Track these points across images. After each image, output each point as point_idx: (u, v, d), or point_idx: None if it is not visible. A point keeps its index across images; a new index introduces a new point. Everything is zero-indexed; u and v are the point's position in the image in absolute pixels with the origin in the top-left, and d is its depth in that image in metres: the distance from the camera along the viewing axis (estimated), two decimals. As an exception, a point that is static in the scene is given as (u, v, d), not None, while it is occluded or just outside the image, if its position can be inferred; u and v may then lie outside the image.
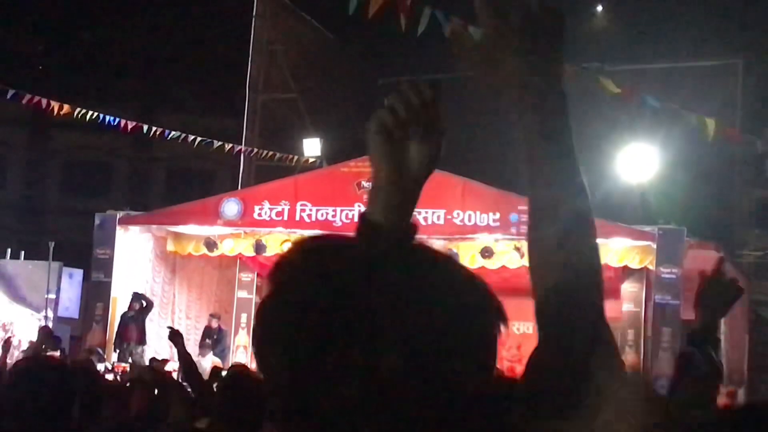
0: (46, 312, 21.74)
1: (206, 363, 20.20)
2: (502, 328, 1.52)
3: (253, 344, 1.50)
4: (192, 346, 23.17)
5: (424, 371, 1.39)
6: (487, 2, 1.78)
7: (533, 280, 1.84)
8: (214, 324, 22.27)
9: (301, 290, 1.44)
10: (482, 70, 1.82)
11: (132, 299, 21.21)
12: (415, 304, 1.40)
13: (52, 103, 22.52)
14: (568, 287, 1.78)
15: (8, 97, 22.17)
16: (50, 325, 21.51)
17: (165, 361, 19.70)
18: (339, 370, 1.37)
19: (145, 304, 21.29)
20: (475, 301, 1.48)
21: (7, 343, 15.71)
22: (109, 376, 17.21)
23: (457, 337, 1.42)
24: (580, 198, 1.81)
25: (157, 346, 22.20)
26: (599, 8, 29.78)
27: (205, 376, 15.75)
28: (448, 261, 1.50)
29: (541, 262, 1.82)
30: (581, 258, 1.79)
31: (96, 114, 23.42)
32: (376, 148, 1.84)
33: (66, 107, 22.76)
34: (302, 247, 1.50)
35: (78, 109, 23.00)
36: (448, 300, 1.43)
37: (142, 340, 21.11)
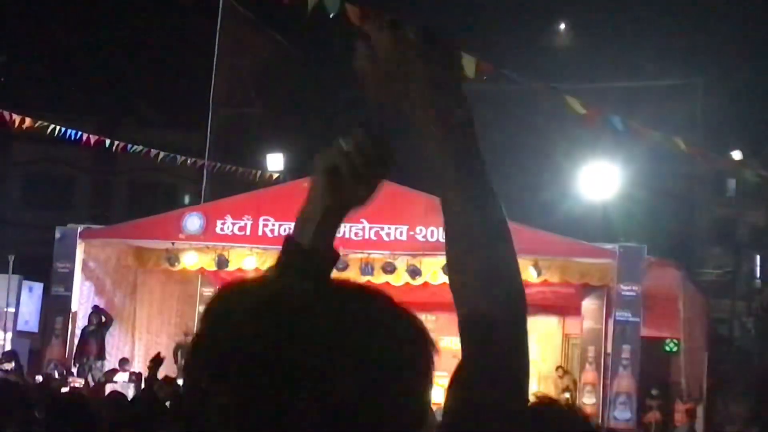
0: (4, 326, 21.55)
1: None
2: (435, 357, 1.53)
3: (187, 381, 1.49)
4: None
5: (356, 411, 1.41)
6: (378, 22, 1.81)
7: (454, 297, 1.84)
8: (186, 341, 22.20)
9: (236, 330, 1.43)
10: (383, 88, 1.84)
11: (91, 314, 21.10)
12: (342, 342, 1.41)
13: (14, 115, 22.38)
14: (488, 298, 1.77)
15: (-31, 110, 22.02)
16: (8, 339, 21.34)
17: (114, 371, 19.65)
18: (279, 410, 1.38)
19: (104, 319, 21.18)
20: (403, 335, 1.48)
21: None
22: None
23: (386, 373, 1.43)
24: (490, 203, 1.81)
25: (116, 361, 22.08)
26: (562, 26, 29.99)
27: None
28: (373, 297, 1.50)
29: (458, 277, 1.82)
30: (498, 266, 1.80)
31: (58, 128, 23.30)
32: (321, 185, 1.87)
33: (28, 120, 22.61)
34: (231, 289, 1.50)
35: (40, 123, 22.87)
36: (375, 336, 1.44)
37: (101, 355, 20.99)
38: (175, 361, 22.08)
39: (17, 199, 35.90)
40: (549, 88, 17.70)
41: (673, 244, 24.08)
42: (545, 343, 24.22)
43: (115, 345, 22.06)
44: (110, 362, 21.56)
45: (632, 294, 19.02)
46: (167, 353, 23.70)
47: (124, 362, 20.71)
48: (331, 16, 15.55)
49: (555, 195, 25.79)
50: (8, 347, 21.17)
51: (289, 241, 1.87)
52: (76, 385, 17.52)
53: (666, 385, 22.12)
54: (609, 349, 19.68)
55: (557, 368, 22.90)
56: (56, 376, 19.19)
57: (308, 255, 1.82)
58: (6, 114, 22.21)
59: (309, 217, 1.88)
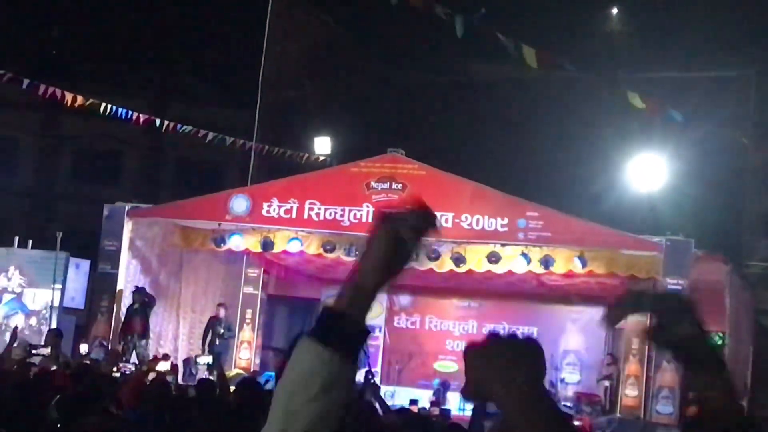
0: (51, 302, 21.76)
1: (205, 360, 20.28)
2: None
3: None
4: (197, 340, 23.31)
5: None
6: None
7: None
8: (222, 314, 22.34)
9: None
10: None
11: (133, 293, 21.25)
12: None
13: (67, 94, 22.57)
14: None
15: (23, 87, 22.22)
16: (54, 316, 21.55)
17: (156, 360, 19.75)
18: None
19: (146, 300, 21.31)
20: None
21: (15, 333, 15.76)
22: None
23: None
24: None
25: (159, 339, 22.29)
26: (614, 11, 29.70)
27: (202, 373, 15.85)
28: None
29: None
30: None
31: (109, 106, 23.47)
32: (386, 242, 2.26)
33: (80, 99, 22.80)
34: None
35: (91, 101, 23.04)
36: None
37: (145, 334, 21.16)
38: (204, 337, 22.21)
39: (67, 174, 36.16)
40: (609, 81, 17.60)
41: (720, 237, 23.83)
42: (589, 333, 24.18)
43: (159, 324, 22.25)
44: (153, 341, 21.74)
45: (678, 288, 18.87)
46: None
47: (166, 357, 20.87)
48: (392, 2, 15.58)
49: (603, 186, 25.59)
50: (54, 324, 21.36)
51: (331, 311, 2.16)
52: (126, 371, 17.64)
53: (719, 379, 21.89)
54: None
55: (608, 355, 22.84)
56: (102, 354, 19.35)
57: (346, 322, 2.13)
58: (59, 92, 22.41)
59: (372, 263, 2.25)
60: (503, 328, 24.79)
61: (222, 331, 22.11)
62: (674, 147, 22.83)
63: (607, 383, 22.09)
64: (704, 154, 23.77)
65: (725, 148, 23.58)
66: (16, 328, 15.85)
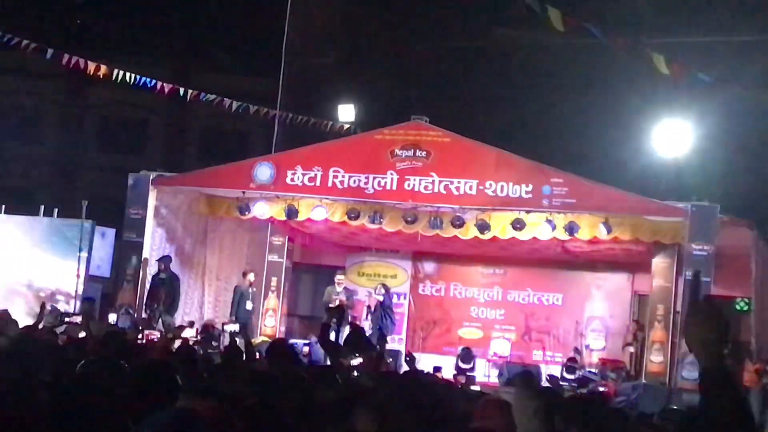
0: (78, 270, 21.87)
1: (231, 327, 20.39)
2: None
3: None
4: (222, 308, 23.42)
5: None
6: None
7: None
8: (250, 280, 22.51)
9: None
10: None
11: (158, 261, 21.35)
12: None
13: (90, 63, 22.63)
14: None
15: (48, 56, 22.27)
16: (80, 283, 21.66)
17: (182, 327, 19.86)
18: None
19: (172, 273, 21.40)
20: None
21: (42, 305, 15.84)
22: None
23: None
24: None
25: (185, 307, 22.37)
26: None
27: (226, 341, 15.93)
28: None
29: None
30: None
31: (133, 75, 23.52)
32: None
33: (104, 68, 22.86)
34: None
35: (115, 71, 23.11)
36: None
37: (173, 305, 21.26)
38: (232, 305, 22.38)
39: (91, 143, 36.25)
40: (634, 44, 17.45)
41: (746, 202, 23.71)
42: (614, 299, 24.17)
43: (185, 291, 22.32)
44: (179, 310, 21.85)
45: (703, 253, 18.79)
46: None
47: (191, 324, 20.99)
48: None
49: (628, 152, 25.49)
50: (80, 291, 21.48)
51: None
52: (152, 338, 17.72)
53: (736, 344, 21.92)
54: (678, 308, 19.49)
55: (634, 321, 22.83)
56: (129, 322, 19.44)
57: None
58: (82, 62, 22.46)
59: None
60: (528, 294, 24.85)
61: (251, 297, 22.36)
62: (700, 112, 22.68)
63: (632, 349, 22.09)
64: (730, 119, 23.61)
65: (751, 112, 23.36)
66: (43, 302, 15.93)
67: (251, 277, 22.71)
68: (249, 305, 22.32)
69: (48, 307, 16.66)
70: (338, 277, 22.97)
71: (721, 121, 23.58)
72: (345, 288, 22.87)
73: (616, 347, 23.34)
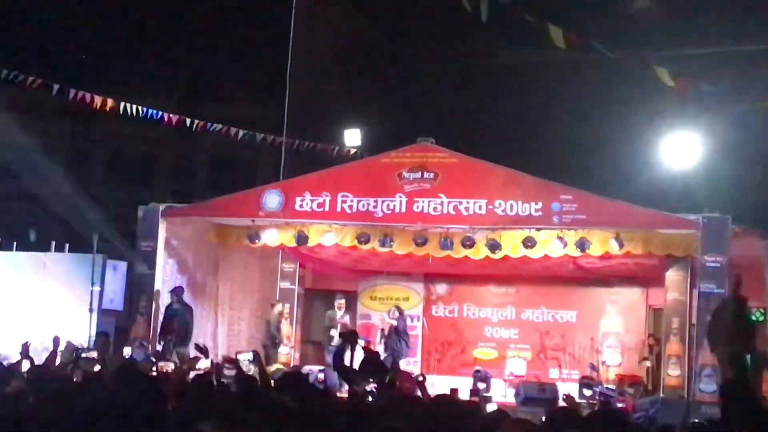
0: (90, 305, 21.87)
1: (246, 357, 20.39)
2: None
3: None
4: (236, 337, 23.39)
5: None
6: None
7: None
8: (278, 310, 22.76)
9: None
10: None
11: (171, 293, 21.34)
12: None
13: (96, 97, 22.68)
14: None
15: (53, 93, 22.32)
16: (94, 318, 21.64)
17: (196, 359, 19.79)
18: None
19: (186, 305, 21.42)
20: None
21: (56, 341, 15.77)
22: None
23: None
24: None
25: (198, 338, 22.30)
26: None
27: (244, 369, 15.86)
28: None
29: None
30: None
31: (139, 108, 23.58)
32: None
33: (110, 102, 22.92)
34: None
35: (122, 104, 23.16)
36: None
37: (187, 336, 21.22)
38: (266, 336, 22.51)
39: (99, 178, 36.33)
40: (637, 58, 17.40)
41: (757, 213, 23.61)
42: (629, 314, 24.08)
43: (198, 322, 22.28)
44: (192, 340, 21.79)
45: (717, 265, 18.71)
46: (248, 328, 24.08)
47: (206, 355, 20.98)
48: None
49: (637, 165, 25.42)
50: (94, 327, 21.44)
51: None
52: (167, 369, 17.66)
53: (753, 355, 21.79)
54: (694, 320, 19.40)
55: (649, 336, 22.75)
56: (143, 355, 19.39)
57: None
58: (88, 96, 22.52)
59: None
60: (542, 313, 24.76)
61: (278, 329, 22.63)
62: (708, 123, 22.61)
63: (648, 364, 22.00)
64: (738, 130, 23.54)
65: (760, 122, 23.30)
66: (56, 337, 15.90)
67: (279, 307, 22.87)
68: (282, 332, 22.69)
69: (61, 342, 16.60)
70: (338, 301, 23.12)
71: (730, 133, 23.51)
72: (345, 311, 23.03)
73: (633, 362, 23.25)
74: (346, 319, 22.87)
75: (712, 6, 26.90)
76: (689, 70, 18.99)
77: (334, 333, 22.70)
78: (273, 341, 22.63)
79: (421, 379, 15.79)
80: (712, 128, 22.87)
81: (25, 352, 14.46)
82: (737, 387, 3.06)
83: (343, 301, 23.40)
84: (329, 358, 20.53)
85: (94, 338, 19.70)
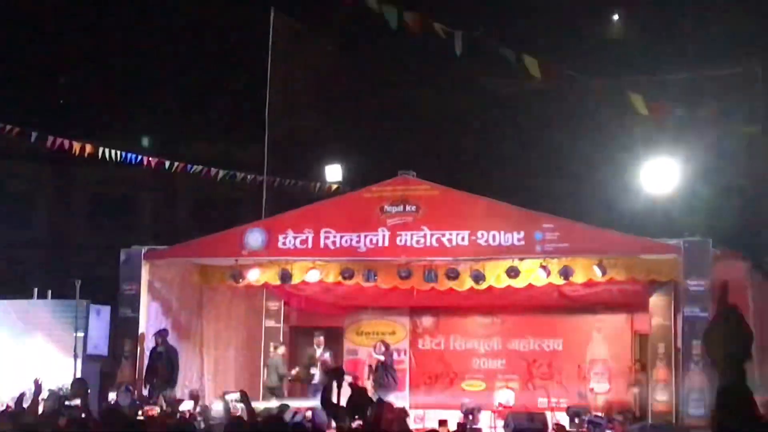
0: (75, 351, 21.75)
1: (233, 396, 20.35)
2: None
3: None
4: (222, 377, 23.26)
5: None
6: None
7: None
8: (280, 353, 23.12)
9: None
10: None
11: (155, 335, 21.21)
12: None
13: (75, 143, 22.65)
14: None
15: (32, 140, 22.28)
16: (78, 364, 21.51)
17: (180, 401, 19.68)
18: None
19: (170, 347, 21.31)
20: None
21: (37, 385, 15.61)
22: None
23: None
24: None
25: (185, 380, 22.17)
26: (615, 17, 29.68)
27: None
28: None
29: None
30: None
31: (118, 153, 23.57)
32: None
33: (89, 147, 22.89)
34: None
35: (101, 149, 23.15)
36: None
37: (172, 379, 21.08)
38: (267, 377, 22.52)
39: (80, 222, 36.22)
40: (611, 86, 17.50)
41: (737, 235, 23.71)
42: (615, 340, 24.05)
43: (183, 364, 22.12)
44: (179, 381, 21.67)
45: (700, 289, 18.70)
46: (234, 367, 23.97)
47: (191, 396, 20.86)
48: (393, 26, 15.56)
49: (617, 191, 25.52)
50: (79, 372, 21.31)
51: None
52: (153, 413, 17.55)
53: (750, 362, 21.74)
54: (680, 345, 19.38)
55: (636, 361, 22.73)
56: (128, 399, 19.27)
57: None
58: (67, 142, 22.49)
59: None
60: (528, 342, 24.73)
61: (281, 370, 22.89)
62: (686, 149, 22.74)
63: (636, 390, 21.96)
64: (716, 155, 23.68)
65: (737, 147, 23.48)
66: (37, 380, 15.76)
67: (281, 350, 23.01)
68: (280, 373, 22.90)
69: (41, 385, 16.44)
70: (316, 338, 23.19)
71: (707, 157, 23.64)
72: (325, 347, 23.10)
73: (621, 389, 23.22)
74: (327, 355, 22.84)
75: (689, 31, 27.12)
76: (666, 96, 19.11)
77: (315, 371, 22.70)
78: (280, 381, 22.73)
79: (403, 415, 15.72)
80: (690, 153, 23.00)
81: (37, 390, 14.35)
82: (735, 393, 2.96)
83: (322, 338, 23.43)
84: (312, 396, 20.51)
85: (70, 385, 19.51)
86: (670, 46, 27.49)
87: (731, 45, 26.47)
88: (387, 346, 22.65)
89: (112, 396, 19.48)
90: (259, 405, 20.25)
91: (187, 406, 18.75)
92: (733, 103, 24.19)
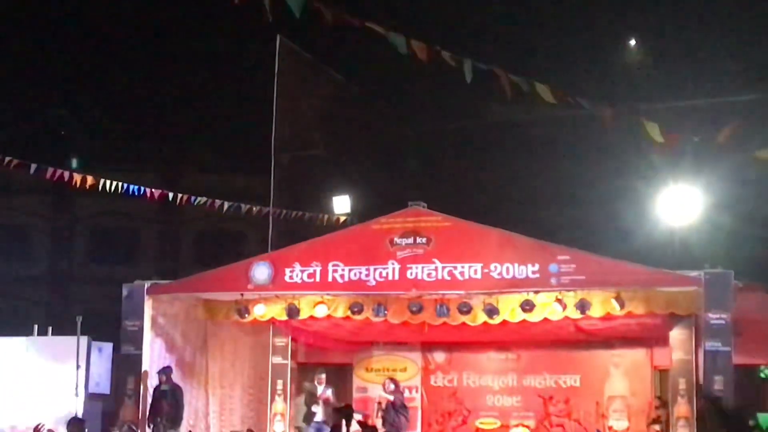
0: (76, 389, 21.29)
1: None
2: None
3: None
4: (228, 415, 22.75)
5: None
6: None
7: None
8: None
9: None
10: None
11: (159, 372, 20.71)
12: None
13: (75, 175, 22.27)
14: None
15: (31, 172, 21.87)
16: (80, 402, 21.07)
17: None
18: None
19: (175, 385, 20.81)
20: None
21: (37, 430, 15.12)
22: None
23: None
24: None
25: (190, 419, 21.68)
26: (632, 42, 29.29)
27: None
28: None
29: None
30: None
31: (120, 184, 23.15)
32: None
33: (90, 179, 22.50)
34: None
35: (102, 181, 22.75)
36: None
37: (177, 418, 20.58)
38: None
39: (82, 256, 35.95)
40: (627, 113, 16.95)
41: (760, 266, 23.20)
42: (634, 376, 23.53)
43: (188, 402, 21.62)
44: (184, 420, 21.17)
45: (721, 322, 18.10)
46: (241, 406, 23.46)
47: None
48: (401, 52, 15.08)
49: (634, 221, 25.04)
50: (81, 411, 20.87)
51: None
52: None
53: (764, 412, 21.28)
54: (701, 380, 18.78)
55: (656, 397, 22.27)
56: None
57: None
58: (67, 174, 22.10)
59: None
60: (544, 378, 24.20)
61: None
62: (706, 177, 22.27)
63: (657, 427, 21.47)
64: (737, 183, 23.19)
65: (758, 176, 22.96)
66: (38, 426, 15.29)
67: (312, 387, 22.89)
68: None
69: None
70: (318, 376, 22.76)
71: (728, 186, 23.15)
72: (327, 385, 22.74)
73: (640, 426, 22.73)
74: (329, 393, 22.32)
75: (706, 57, 26.72)
76: (684, 123, 18.62)
77: (316, 409, 22.22)
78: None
79: None
80: (710, 182, 22.51)
81: None
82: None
83: (323, 375, 22.97)
84: None
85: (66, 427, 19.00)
86: (688, 72, 27.05)
87: (749, 71, 26.01)
88: (396, 384, 22.14)
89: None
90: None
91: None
92: (753, 129, 23.68)
